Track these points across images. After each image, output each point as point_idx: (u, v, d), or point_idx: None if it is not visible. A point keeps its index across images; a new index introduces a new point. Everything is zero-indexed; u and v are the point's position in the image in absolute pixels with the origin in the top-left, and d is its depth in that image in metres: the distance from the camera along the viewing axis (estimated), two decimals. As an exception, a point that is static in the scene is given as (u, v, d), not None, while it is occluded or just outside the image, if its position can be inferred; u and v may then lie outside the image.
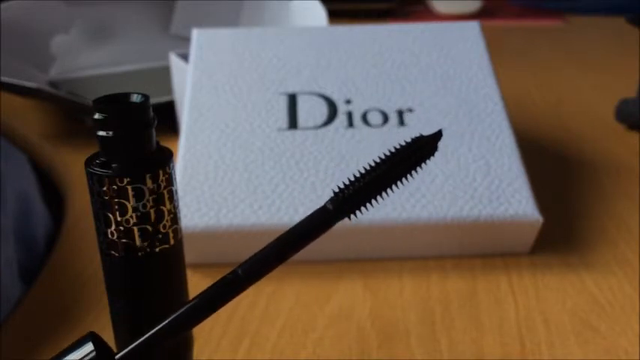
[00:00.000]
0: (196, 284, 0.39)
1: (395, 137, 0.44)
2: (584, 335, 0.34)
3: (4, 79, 0.58)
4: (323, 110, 0.45)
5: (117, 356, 0.21)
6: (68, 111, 0.64)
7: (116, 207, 0.22)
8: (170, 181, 0.23)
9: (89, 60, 0.76)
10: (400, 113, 0.45)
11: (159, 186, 0.22)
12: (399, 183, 0.20)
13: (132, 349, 0.21)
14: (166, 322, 0.21)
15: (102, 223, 0.22)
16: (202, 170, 0.42)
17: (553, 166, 0.53)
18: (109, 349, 0.22)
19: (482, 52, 0.50)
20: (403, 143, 0.20)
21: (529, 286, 0.38)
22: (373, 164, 0.20)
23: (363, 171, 0.20)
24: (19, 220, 0.44)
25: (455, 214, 0.40)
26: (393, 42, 0.50)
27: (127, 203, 0.22)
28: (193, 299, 0.21)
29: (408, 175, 0.20)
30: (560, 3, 1.04)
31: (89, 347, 0.21)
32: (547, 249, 0.42)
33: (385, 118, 0.45)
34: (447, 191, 0.41)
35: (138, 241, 0.22)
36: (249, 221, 0.39)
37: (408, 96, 0.47)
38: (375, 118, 0.45)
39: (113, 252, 0.23)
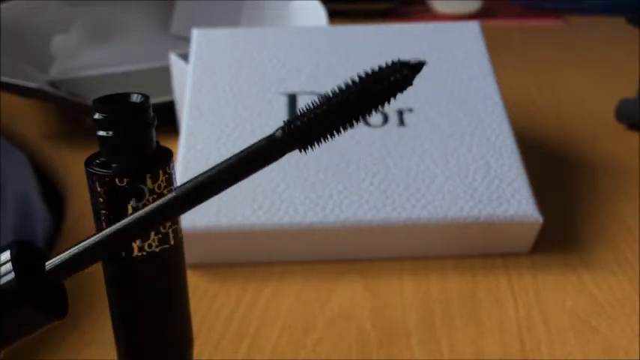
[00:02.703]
0: (196, 284, 0.39)
1: (395, 137, 0.44)
2: (584, 335, 0.34)
3: (4, 79, 0.58)
4: (323, 110, 0.45)
5: (47, 264, 0.20)
6: (68, 111, 0.64)
7: (116, 207, 0.22)
8: (170, 181, 0.23)
9: (89, 60, 0.76)
10: (400, 113, 0.45)
11: (159, 186, 0.22)
12: (362, 115, 0.18)
13: (66, 259, 0.20)
14: (103, 233, 0.20)
15: (102, 223, 0.22)
16: (202, 170, 0.42)
17: (553, 166, 0.53)
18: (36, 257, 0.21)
19: (482, 52, 0.50)
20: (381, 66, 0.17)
21: (529, 286, 0.38)
22: (333, 93, 0.18)
23: (319, 100, 0.18)
24: (19, 220, 0.45)
25: (455, 214, 0.40)
26: (393, 42, 0.50)
27: (127, 203, 0.22)
28: (132, 215, 0.20)
29: (374, 108, 0.18)
30: (560, 3, 1.04)
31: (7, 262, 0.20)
32: (547, 249, 0.42)
33: (385, 118, 0.45)
34: (447, 191, 0.41)
35: (138, 241, 0.22)
36: (249, 221, 0.39)
37: (408, 96, 0.46)
38: (374, 118, 0.45)
39: (113, 252, 0.23)
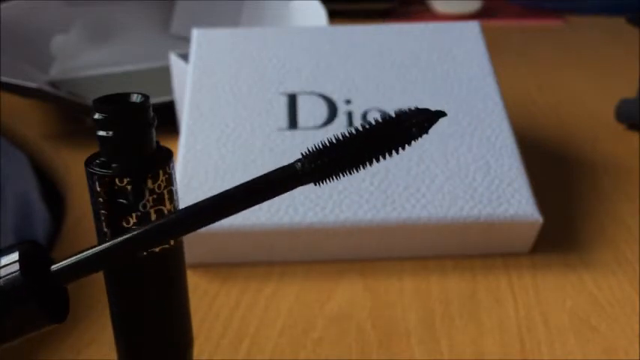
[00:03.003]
0: (196, 284, 0.39)
1: (395, 137, 0.44)
2: (584, 335, 0.34)
3: (4, 79, 0.58)
4: (323, 110, 0.46)
5: (53, 267, 0.20)
6: (68, 111, 0.64)
7: (116, 207, 0.22)
8: (170, 181, 0.23)
9: (89, 60, 0.76)
10: (400, 113, 0.45)
11: (159, 186, 0.22)
12: (379, 158, 0.19)
13: (71, 263, 0.20)
14: (117, 240, 0.20)
15: (102, 223, 0.22)
16: (202, 170, 0.42)
17: (553, 166, 0.53)
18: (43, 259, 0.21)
19: (482, 52, 0.50)
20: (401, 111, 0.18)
21: (529, 286, 0.38)
22: (354, 132, 0.19)
23: (340, 137, 0.19)
24: (19, 220, 0.45)
25: (455, 214, 0.40)
26: (393, 42, 0.50)
27: (127, 203, 0.22)
28: (140, 229, 0.20)
29: (392, 149, 0.18)
30: (560, 3, 1.04)
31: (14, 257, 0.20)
32: (547, 249, 0.42)
33: (385, 118, 0.45)
34: (447, 191, 0.41)
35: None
36: (249, 221, 0.39)
37: (408, 96, 0.47)
38: (375, 117, 0.45)
39: (113, 252, 0.23)
